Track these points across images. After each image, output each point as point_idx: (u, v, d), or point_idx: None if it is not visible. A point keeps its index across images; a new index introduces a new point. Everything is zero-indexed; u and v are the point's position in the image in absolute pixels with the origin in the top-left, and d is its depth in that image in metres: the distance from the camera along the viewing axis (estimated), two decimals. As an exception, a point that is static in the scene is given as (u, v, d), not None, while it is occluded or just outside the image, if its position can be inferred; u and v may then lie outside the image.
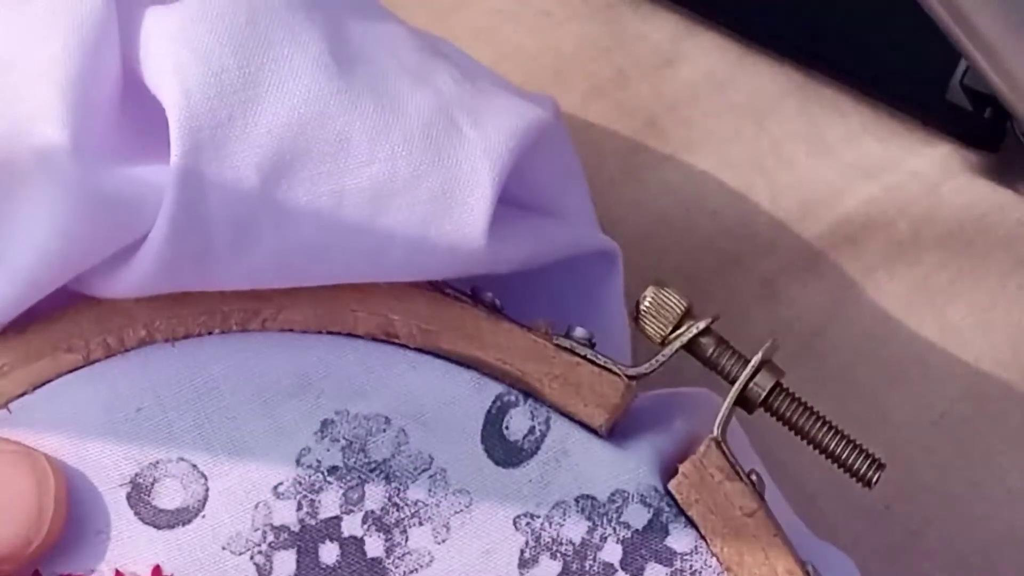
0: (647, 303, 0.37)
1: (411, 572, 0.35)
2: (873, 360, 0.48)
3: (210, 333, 0.36)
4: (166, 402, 0.35)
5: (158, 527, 0.35)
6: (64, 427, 0.35)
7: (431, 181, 0.36)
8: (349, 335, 0.36)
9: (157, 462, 0.35)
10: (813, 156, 0.50)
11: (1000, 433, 0.47)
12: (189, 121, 0.35)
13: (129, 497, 0.35)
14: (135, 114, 0.36)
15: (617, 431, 0.37)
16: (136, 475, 0.35)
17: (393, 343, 0.36)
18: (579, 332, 0.37)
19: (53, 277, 0.35)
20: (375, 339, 0.36)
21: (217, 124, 0.35)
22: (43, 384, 0.35)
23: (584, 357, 0.36)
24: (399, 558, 0.35)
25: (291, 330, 0.36)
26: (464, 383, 0.36)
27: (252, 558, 0.35)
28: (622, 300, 0.43)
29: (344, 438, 0.35)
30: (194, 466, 0.35)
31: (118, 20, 0.35)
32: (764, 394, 0.37)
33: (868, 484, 0.37)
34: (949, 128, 0.50)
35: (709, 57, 0.51)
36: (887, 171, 0.50)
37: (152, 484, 0.35)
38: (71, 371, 0.35)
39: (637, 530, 0.36)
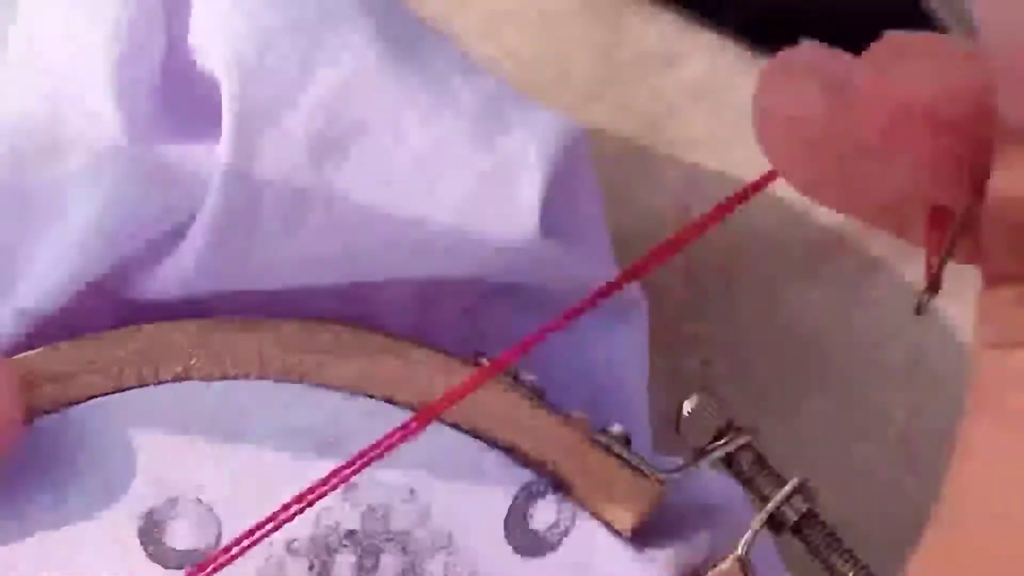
0: (690, 410, 0.36)
1: None
2: (873, 360, 0.48)
3: (247, 378, 0.35)
4: (193, 441, 0.35)
5: (165, 566, 0.34)
6: (86, 451, 0.34)
7: (481, 162, 0.35)
8: (388, 400, 0.35)
9: (175, 499, 0.34)
10: (813, 156, 0.50)
11: (1000, 434, 0.47)
12: (241, 86, 0.34)
13: (141, 531, 0.34)
14: (177, 90, 0.35)
15: (641, 530, 0.36)
16: (152, 509, 0.34)
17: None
18: (616, 428, 0.36)
19: (103, 255, 0.34)
20: (413, 409, 0.35)
21: (269, 90, 0.34)
22: (71, 404, 0.34)
23: (620, 456, 0.35)
24: None
25: (330, 387, 0.35)
26: (495, 467, 0.35)
27: None
28: (645, 359, 0.42)
29: (366, 504, 0.35)
30: (210, 509, 0.34)
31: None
32: (796, 519, 0.36)
33: None
34: (949, 128, 0.50)
35: (709, 57, 0.51)
36: (887, 171, 0.50)
37: (166, 521, 0.34)
38: (101, 395, 0.35)
39: None
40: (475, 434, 0.35)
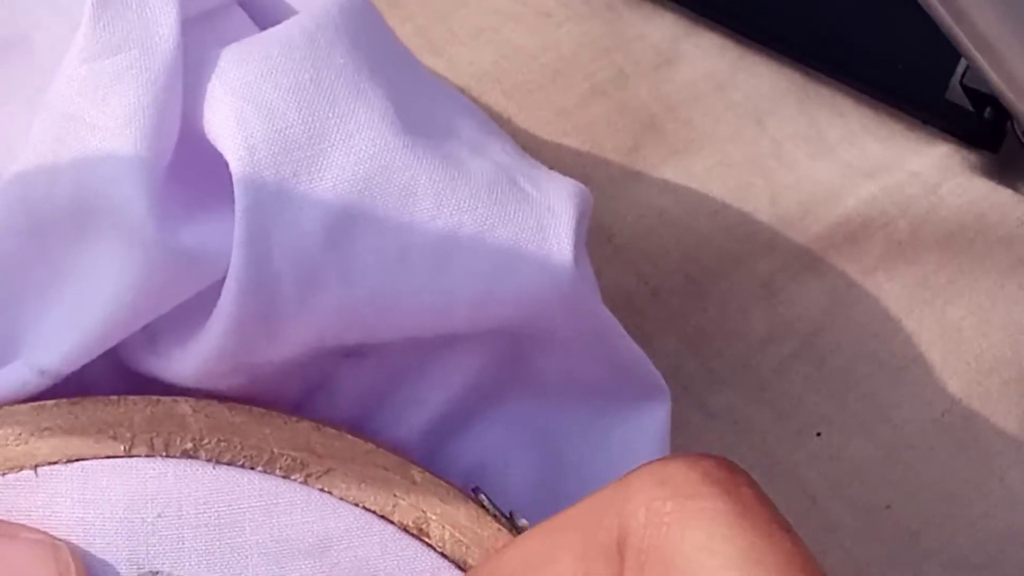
0: None
1: None
2: (873, 360, 0.48)
3: (252, 468, 0.35)
4: (186, 519, 0.35)
5: None
6: (81, 508, 0.34)
7: (497, 236, 0.36)
8: (383, 518, 0.35)
9: (157, 573, 0.34)
10: (813, 156, 0.50)
11: (1000, 433, 0.47)
12: (253, 177, 0.34)
13: None
14: (190, 168, 0.36)
15: None
16: None
17: (423, 541, 0.35)
18: None
19: (122, 329, 0.35)
20: (406, 530, 0.35)
21: (282, 180, 0.35)
22: (77, 460, 0.34)
23: None
24: None
25: (331, 493, 0.35)
26: None
27: None
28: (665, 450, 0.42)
29: None
30: None
31: (182, 79, 0.35)
32: None
33: None
34: (949, 128, 0.50)
35: (709, 57, 0.51)
36: (887, 171, 0.50)
37: None
38: (108, 457, 0.35)
39: None
40: (462, 567, 0.36)
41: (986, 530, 0.47)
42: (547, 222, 0.37)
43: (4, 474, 0.34)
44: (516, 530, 0.36)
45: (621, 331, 0.40)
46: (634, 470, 0.31)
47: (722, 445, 0.47)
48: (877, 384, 0.48)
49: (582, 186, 0.39)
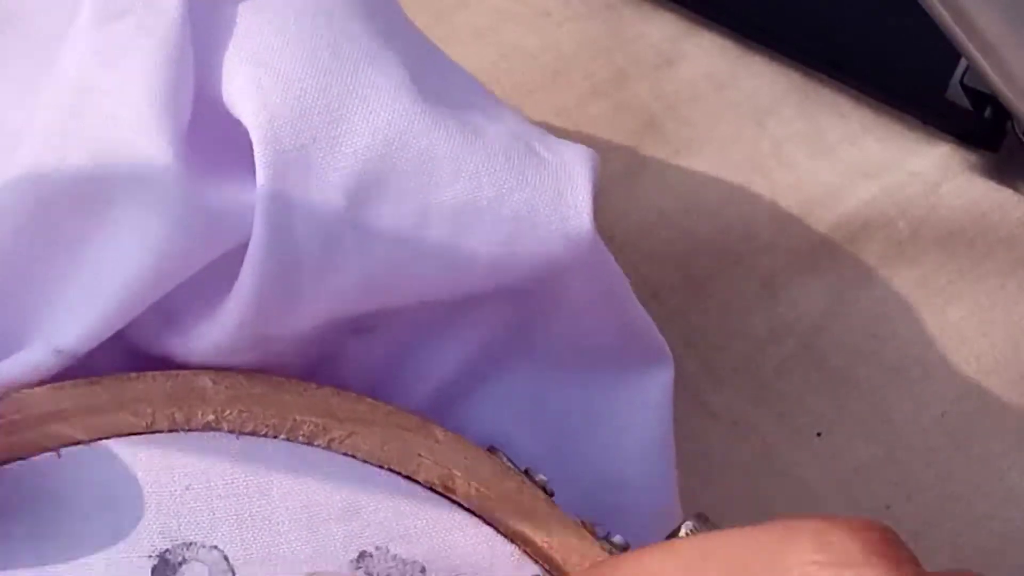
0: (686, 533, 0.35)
1: None
2: (873, 360, 0.48)
3: (276, 437, 0.35)
4: (215, 489, 0.35)
5: None
6: (109, 486, 0.34)
7: (515, 200, 0.36)
8: (409, 478, 0.36)
9: (191, 544, 0.34)
10: (813, 156, 0.50)
11: (1000, 433, 0.47)
12: (274, 144, 0.35)
13: (154, 570, 0.34)
14: (209, 134, 0.36)
15: None
16: (167, 551, 0.34)
17: (449, 498, 0.36)
18: (618, 539, 0.36)
19: (140, 300, 0.34)
20: (433, 489, 0.36)
21: (301, 146, 0.35)
22: (100, 439, 0.34)
23: None
24: None
25: (355, 457, 0.35)
26: (506, 556, 0.35)
27: None
28: (669, 424, 0.42)
29: (377, 574, 0.35)
30: (226, 558, 0.34)
31: (193, 42, 0.35)
32: None
33: None
34: (949, 128, 0.50)
35: (709, 57, 0.51)
36: (887, 171, 0.50)
37: (180, 564, 0.34)
38: (131, 434, 0.35)
39: None
40: (490, 522, 0.36)
41: (987, 530, 0.46)
42: (564, 186, 0.37)
43: (27, 457, 0.34)
44: (535, 484, 0.36)
45: (631, 293, 0.40)
46: (794, 525, 0.30)
47: (722, 445, 0.47)
48: (877, 384, 0.48)
49: (592, 151, 0.39)
